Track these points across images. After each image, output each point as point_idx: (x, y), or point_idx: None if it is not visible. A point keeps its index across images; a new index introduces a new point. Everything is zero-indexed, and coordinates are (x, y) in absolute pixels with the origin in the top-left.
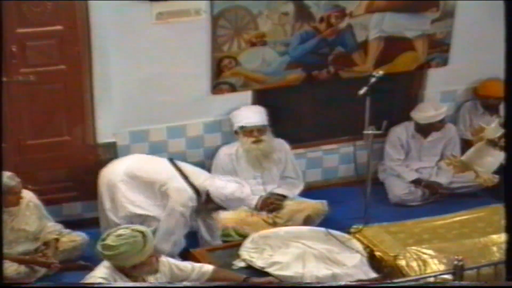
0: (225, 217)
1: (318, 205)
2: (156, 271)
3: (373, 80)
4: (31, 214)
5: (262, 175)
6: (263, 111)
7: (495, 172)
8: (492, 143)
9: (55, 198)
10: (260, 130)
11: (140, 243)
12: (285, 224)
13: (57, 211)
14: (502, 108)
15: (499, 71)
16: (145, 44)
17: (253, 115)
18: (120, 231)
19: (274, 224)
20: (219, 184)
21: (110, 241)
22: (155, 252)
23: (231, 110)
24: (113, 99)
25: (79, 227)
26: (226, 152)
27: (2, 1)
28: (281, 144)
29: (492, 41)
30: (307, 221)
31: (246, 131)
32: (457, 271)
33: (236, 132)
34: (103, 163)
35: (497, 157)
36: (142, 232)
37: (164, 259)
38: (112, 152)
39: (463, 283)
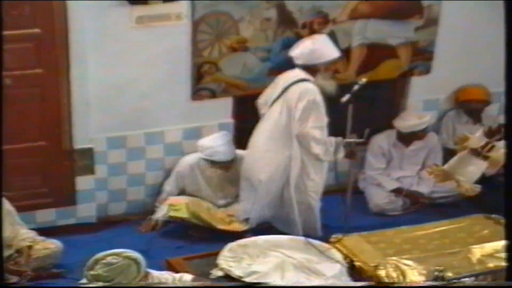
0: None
1: None
2: None
3: (356, 87)
4: (4, 220)
5: (222, 191)
6: (230, 140)
7: (477, 182)
8: (475, 152)
9: (29, 204)
10: (226, 166)
11: (134, 271)
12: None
13: (31, 218)
14: (484, 116)
15: (483, 80)
16: (124, 48)
17: (224, 149)
18: (110, 259)
19: (229, 223)
20: None
21: (101, 271)
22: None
23: (211, 116)
24: (90, 104)
25: (53, 235)
26: (189, 162)
27: (2, 0)
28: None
29: (475, 49)
30: None
31: (214, 163)
32: (438, 281)
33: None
34: (79, 169)
35: (479, 167)
36: (134, 259)
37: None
38: (88, 158)
39: (464, 284)
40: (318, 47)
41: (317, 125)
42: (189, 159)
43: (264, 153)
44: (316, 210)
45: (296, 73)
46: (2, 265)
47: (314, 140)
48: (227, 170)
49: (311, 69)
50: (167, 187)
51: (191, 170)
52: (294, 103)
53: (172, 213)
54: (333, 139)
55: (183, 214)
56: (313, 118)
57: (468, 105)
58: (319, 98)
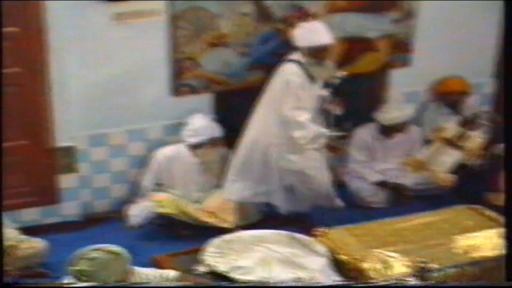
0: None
1: None
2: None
3: (335, 81)
4: None
5: (198, 183)
6: (212, 126)
7: (454, 172)
8: (449, 142)
9: (13, 204)
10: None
11: (118, 266)
12: (218, 213)
13: (15, 217)
14: (465, 108)
15: (462, 71)
16: (103, 45)
17: (201, 131)
18: (93, 254)
19: (210, 217)
20: None
21: (85, 266)
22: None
23: (192, 112)
24: (71, 102)
25: (38, 234)
26: (166, 154)
27: (2, 0)
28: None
29: (454, 41)
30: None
31: (190, 147)
32: (423, 273)
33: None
34: (62, 167)
35: (453, 157)
36: (118, 254)
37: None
38: (71, 156)
39: (464, 283)
40: (301, 31)
41: (295, 106)
42: (166, 151)
43: (249, 131)
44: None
45: (292, 55)
46: (2, 265)
47: (295, 122)
48: (213, 148)
49: (300, 51)
50: (145, 183)
51: (168, 162)
52: (274, 83)
53: (161, 210)
54: (315, 128)
55: (171, 210)
56: (289, 98)
57: (448, 97)
58: (294, 78)
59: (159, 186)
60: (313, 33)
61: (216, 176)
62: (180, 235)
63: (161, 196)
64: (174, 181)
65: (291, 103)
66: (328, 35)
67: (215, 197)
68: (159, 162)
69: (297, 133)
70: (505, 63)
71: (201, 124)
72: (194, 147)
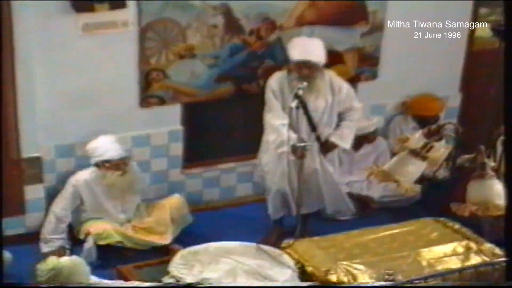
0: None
1: (175, 200)
2: None
3: (300, 92)
4: None
5: (122, 203)
6: (116, 141)
7: (419, 182)
8: (414, 152)
9: None
10: (125, 162)
11: (77, 275)
12: (156, 228)
13: None
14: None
15: (428, 85)
16: (71, 56)
17: (114, 147)
18: (52, 265)
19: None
20: None
21: (44, 277)
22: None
23: (160, 123)
24: (37, 113)
25: (3, 244)
26: (82, 178)
27: (2, 0)
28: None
29: (421, 54)
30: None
31: (112, 164)
32: (389, 285)
33: (97, 165)
34: (28, 178)
35: (418, 167)
36: (76, 264)
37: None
38: (36, 166)
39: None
40: (291, 44)
41: (267, 108)
42: (81, 175)
43: None
44: (271, 193)
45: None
46: (2, 265)
47: (266, 124)
48: (123, 172)
49: None
50: (57, 210)
51: (86, 186)
52: None
53: (103, 242)
54: (284, 133)
55: (115, 238)
56: (267, 102)
57: (423, 120)
58: (270, 83)
59: (77, 212)
60: (296, 48)
61: (135, 193)
62: (125, 256)
63: (96, 226)
64: (99, 202)
65: (266, 106)
66: (312, 54)
67: (148, 213)
68: (76, 187)
69: (267, 135)
70: (506, 63)
71: (106, 145)
72: (106, 167)
